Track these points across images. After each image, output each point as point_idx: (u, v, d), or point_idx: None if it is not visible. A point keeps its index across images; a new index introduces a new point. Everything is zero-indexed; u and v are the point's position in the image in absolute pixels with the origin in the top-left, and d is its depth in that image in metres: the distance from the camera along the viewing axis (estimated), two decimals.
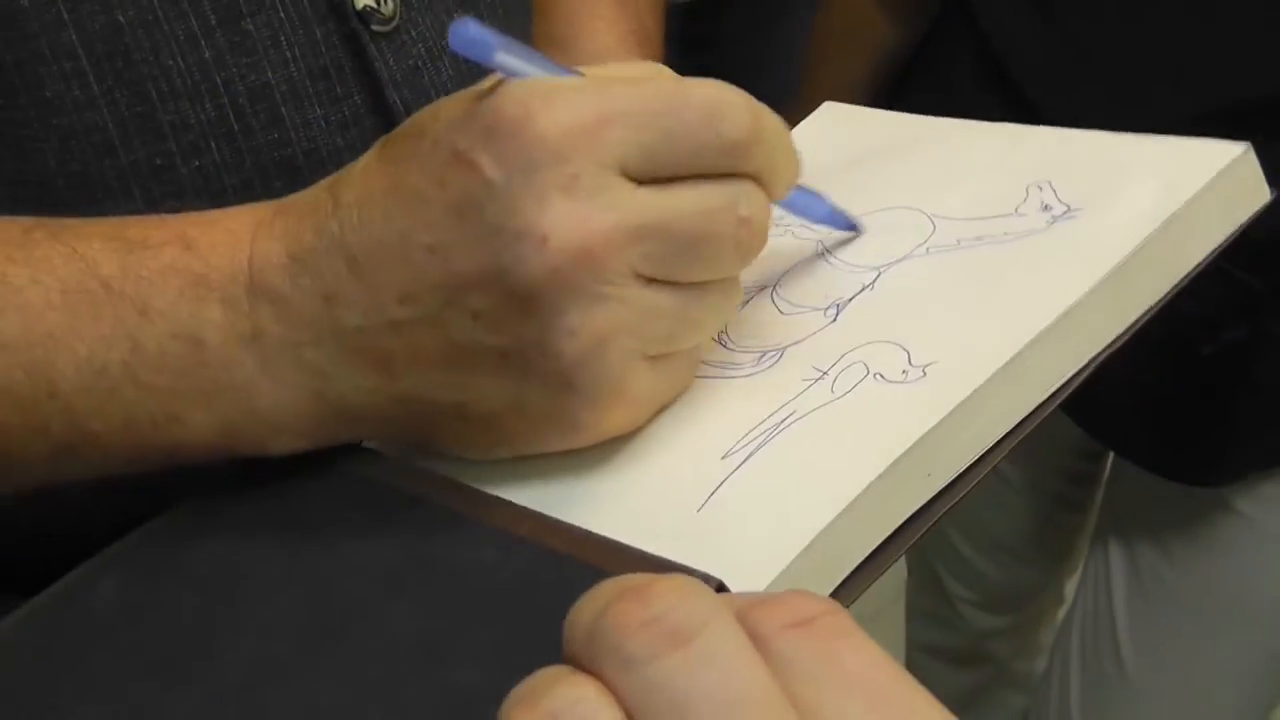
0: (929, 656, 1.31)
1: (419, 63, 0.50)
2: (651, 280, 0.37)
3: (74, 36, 0.44)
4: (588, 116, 0.36)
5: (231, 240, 0.39)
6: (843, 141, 0.51)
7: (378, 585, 0.36)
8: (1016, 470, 1.12)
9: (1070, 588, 1.19)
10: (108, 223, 0.40)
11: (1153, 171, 0.41)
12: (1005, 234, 0.42)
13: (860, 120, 0.53)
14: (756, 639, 0.24)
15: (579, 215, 0.35)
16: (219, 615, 0.37)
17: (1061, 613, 1.23)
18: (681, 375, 0.40)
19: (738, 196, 0.37)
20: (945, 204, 0.44)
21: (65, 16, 0.44)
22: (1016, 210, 0.43)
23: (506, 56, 0.36)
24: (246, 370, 0.38)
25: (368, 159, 0.38)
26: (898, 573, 1.36)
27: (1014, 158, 0.45)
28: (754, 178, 0.38)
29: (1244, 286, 0.85)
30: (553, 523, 0.36)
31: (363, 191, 0.37)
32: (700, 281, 0.38)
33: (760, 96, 0.52)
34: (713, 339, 0.42)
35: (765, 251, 0.45)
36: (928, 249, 0.43)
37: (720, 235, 0.37)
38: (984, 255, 0.41)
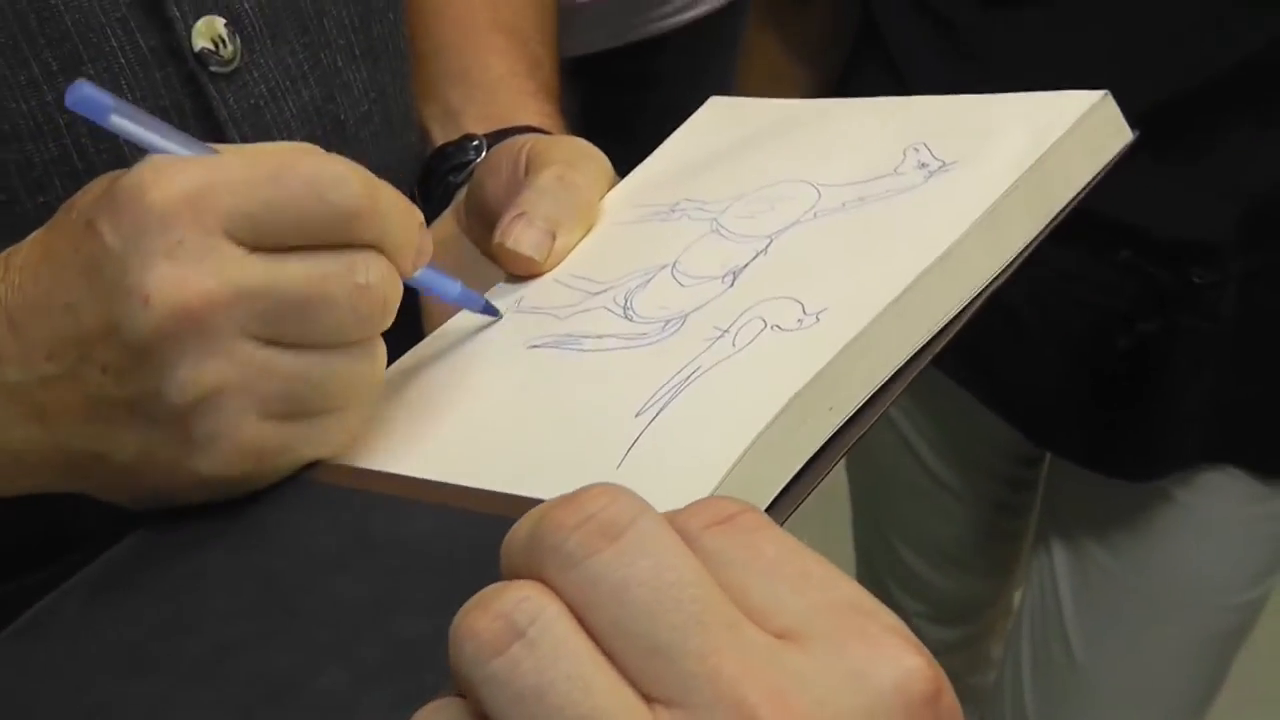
0: None
1: (260, 101, 0.51)
2: (269, 342, 0.39)
3: None
4: (193, 186, 0.38)
5: None
6: (732, 129, 0.54)
7: (325, 565, 0.38)
8: (957, 478, 1.15)
9: (1018, 600, 1.22)
10: None
11: (1020, 122, 0.43)
12: (886, 192, 0.44)
13: (746, 109, 0.56)
14: (683, 538, 0.26)
15: (178, 277, 0.38)
16: (180, 613, 0.39)
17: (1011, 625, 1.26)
18: (328, 434, 0.42)
19: (354, 264, 0.40)
20: (829, 173, 0.46)
21: None
22: (895, 170, 0.45)
23: (120, 120, 0.40)
24: None
25: (38, 231, 0.42)
26: None
27: (891, 125, 0.48)
28: (376, 248, 0.40)
29: (1155, 282, 0.90)
30: (481, 492, 0.38)
31: (26, 259, 0.41)
32: (327, 345, 0.40)
33: None
34: (617, 315, 0.44)
35: (663, 235, 0.47)
36: (815, 214, 0.45)
37: (333, 299, 0.39)
38: (867, 213, 0.43)
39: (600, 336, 0.43)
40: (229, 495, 0.42)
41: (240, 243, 0.39)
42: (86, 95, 0.39)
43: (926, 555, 1.22)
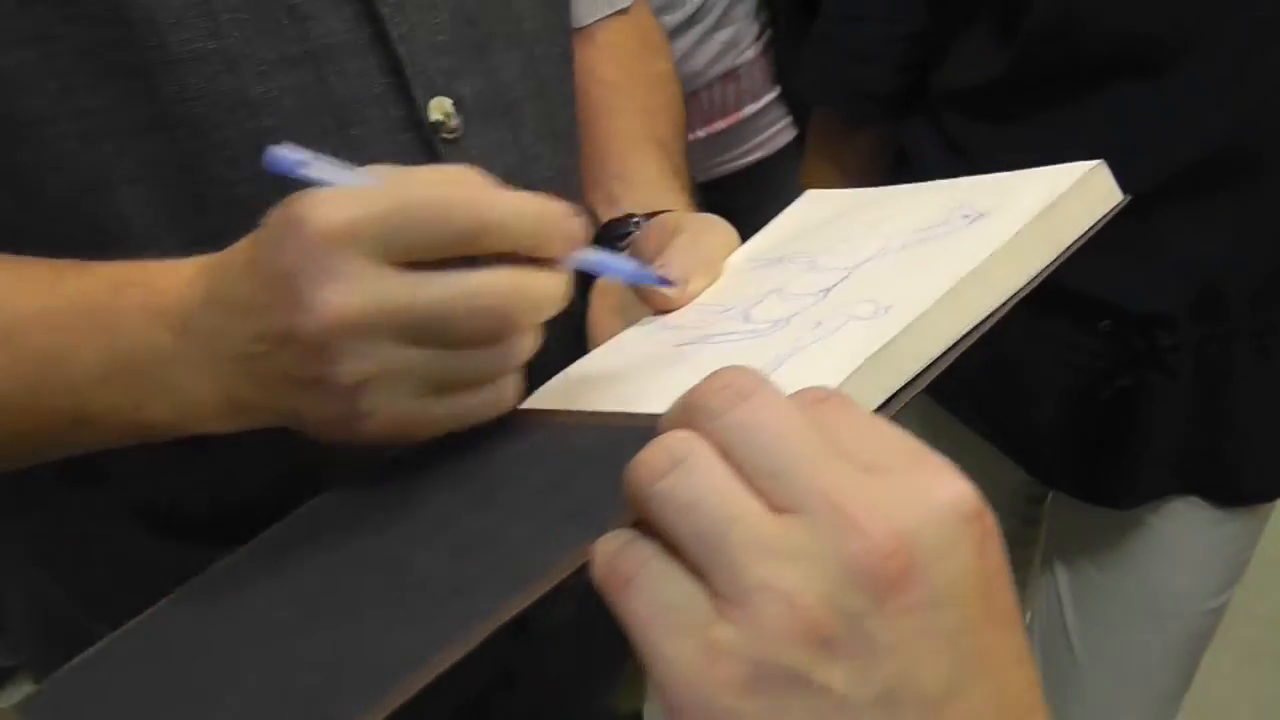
0: None
1: (475, 163, 0.53)
2: (411, 343, 0.45)
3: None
4: (346, 219, 0.43)
5: (179, 286, 0.49)
6: (824, 209, 0.63)
7: (520, 463, 0.46)
8: None
9: (1029, 619, 1.29)
10: (101, 267, 0.51)
11: (1036, 184, 0.51)
12: (938, 235, 0.51)
13: (835, 196, 0.65)
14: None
15: (339, 295, 0.43)
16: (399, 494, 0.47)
17: None
18: (470, 408, 0.47)
19: (484, 284, 0.44)
20: (898, 229, 0.54)
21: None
22: (946, 222, 0.52)
23: (311, 172, 0.45)
24: (184, 377, 0.49)
25: (247, 237, 0.47)
26: None
27: (946, 195, 0.55)
28: (520, 254, 0.45)
29: (1130, 347, 1.02)
30: (631, 415, 0.45)
31: (236, 257, 0.48)
32: (460, 347, 0.45)
33: None
34: (739, 320, 0.51)
35: (772, 272, 0.55)
36: (884, 252, 0.52)
37: (461, 315, 0.44)
38: (924, 246, 0.50)
39: (727, 333, 0.51)
40: (390, 447, 0.49)
41: (390, 262, 0.44)
42: (281, 155, 0.44)
43: None
